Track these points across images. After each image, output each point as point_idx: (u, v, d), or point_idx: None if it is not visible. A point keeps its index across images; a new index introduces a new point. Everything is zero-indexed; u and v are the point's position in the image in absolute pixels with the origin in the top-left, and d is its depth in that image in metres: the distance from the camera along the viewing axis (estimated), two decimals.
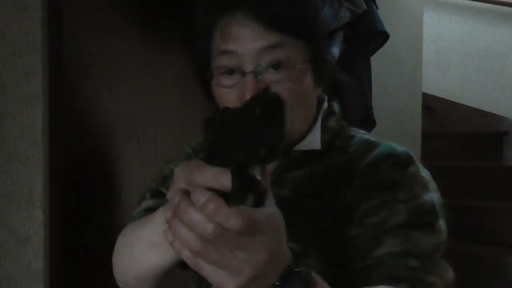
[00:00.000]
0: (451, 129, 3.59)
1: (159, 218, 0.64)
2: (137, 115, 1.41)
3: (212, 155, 0.45)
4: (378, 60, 2.01)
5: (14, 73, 1.05)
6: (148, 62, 1.43)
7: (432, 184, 0.72)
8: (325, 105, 0.81)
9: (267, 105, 0.42)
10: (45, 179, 1.06)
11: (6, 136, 1.05)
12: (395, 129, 2.51)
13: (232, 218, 0.42)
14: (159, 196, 0.85)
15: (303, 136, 0.76)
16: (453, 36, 3.67)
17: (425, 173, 0.72)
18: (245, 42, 0.68)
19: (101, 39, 1.33)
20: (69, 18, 1.24)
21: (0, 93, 1.05)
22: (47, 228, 1.06)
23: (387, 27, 1.75)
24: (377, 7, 1.75)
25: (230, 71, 0.70)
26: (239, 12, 0.69)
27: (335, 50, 1.54)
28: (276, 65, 0.69)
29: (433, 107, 3.60)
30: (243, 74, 0.69)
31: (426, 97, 3.22)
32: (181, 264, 0.74)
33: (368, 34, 1.69)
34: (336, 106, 0.82)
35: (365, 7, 1.61)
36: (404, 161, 0.71)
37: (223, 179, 0.42)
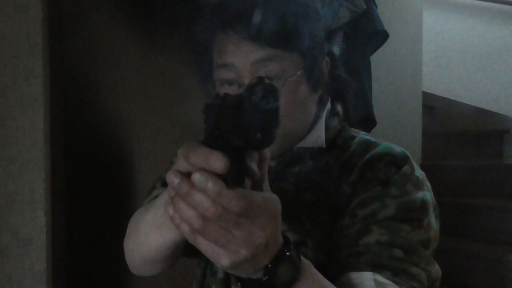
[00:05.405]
0: (451, 127, 3.59)
1: (162, 201, 0.66)
2: (137, 115, 1.41)
3: (211, 139, 0.47)
4: (378, 60, 2.01)
5: (15, 75, 1.05)
6: (148, 62, 1.43)
7: (427, 184, 0.75)
8: (328, 105, 0.84)
9: (262, 93, 0.45)
10: (46, 181, 1.06)
11: (8, 138, 1.05)
12: (396, 128, 2.51)
13: (233, 199, 0.44)
14: None
15: (304, 136, 0.80)
16: (453, 34, 3.67)
17: (420, 173, 0.75)
18: (240, 56, 0.72)
19: (101, 40, 1.33)
20: (69, 20, 1.24)
21: (1, 95, 1.05)
22: (49, 230, 1.06)
23: (387, 26, 1.75)
24: (376, 6, 1.75)
25: (230, 83, 0.75)
26: (232, 31, 0.73)
27: (335, 50, 1.54)
28: (271, 78, 0.72)
29: (433, 106, 3.60)
30: (241, 86, 0.73)
31: (426, 96, 3.22)
32: (188, 254, 0.77)
33: (367, 34, 1.69)
34: (339, 108, 0.86)
35: (365, 7, 1.61)
36: (400, 160, 0.74)
37: (219, 161, 0.44)
